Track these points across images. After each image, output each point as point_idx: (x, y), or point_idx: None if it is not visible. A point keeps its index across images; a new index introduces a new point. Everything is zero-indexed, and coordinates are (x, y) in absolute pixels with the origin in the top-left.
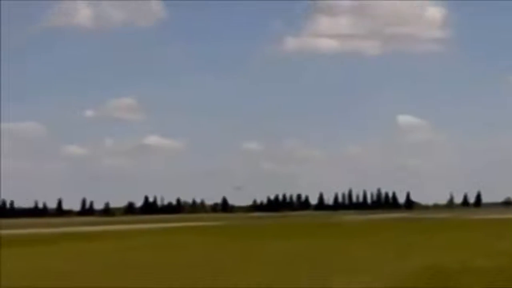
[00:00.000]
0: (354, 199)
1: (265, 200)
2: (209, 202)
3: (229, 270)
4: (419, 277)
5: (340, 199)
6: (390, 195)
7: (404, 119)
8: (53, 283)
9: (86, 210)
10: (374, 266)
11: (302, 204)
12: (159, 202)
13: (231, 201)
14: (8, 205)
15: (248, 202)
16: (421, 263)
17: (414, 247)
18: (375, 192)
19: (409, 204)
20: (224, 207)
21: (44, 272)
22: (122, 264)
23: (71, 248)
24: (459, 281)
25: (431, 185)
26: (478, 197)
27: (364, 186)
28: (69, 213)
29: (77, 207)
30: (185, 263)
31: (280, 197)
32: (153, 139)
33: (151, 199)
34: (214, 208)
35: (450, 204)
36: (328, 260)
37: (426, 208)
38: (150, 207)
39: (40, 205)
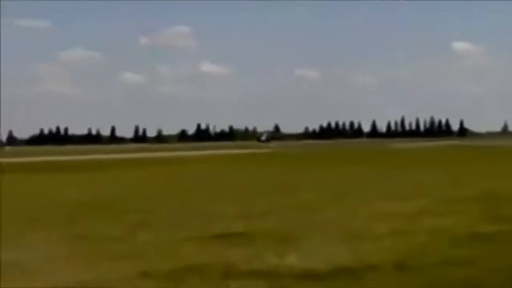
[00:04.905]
0: (407, 126)
1: (317, 128)
2: (261, 129)
3: (276, 193)
4: (473, 202)
5: (392, 126)
6: (444, 122)
7: (459, 45)
8: (105, 206)
9: (139, 137)
10: (427, 192)
11: (354, 132)
12: (211, 129)
13: (283, 129)
14: (62, 132)
15: (300, 129)
16: (475, 189)
17: (467, 174)
18: (428, 119)
19: (463, 132)
20: (276, 134)
21: (96, 196)
22: (174, 188)
23: (123, 174)
24: None
25: (485, 112)
26: None
27: (417, 114)
28: (122, 140)
29: (130, 134)
30: (236, 188)
31: (333, 124)
32: (206, 67)
33: (203, 126)
34: None
35: (504, 132)
36: (380, 186)
37: (479, 135)
38: (202, 134)
39: (94, 132)
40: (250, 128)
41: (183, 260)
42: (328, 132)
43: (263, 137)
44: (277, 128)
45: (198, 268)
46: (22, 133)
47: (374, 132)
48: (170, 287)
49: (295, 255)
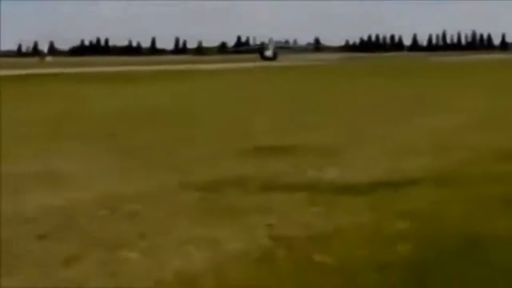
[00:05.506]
0: (448, 40)
1: (357, 41)
2: (301, 42)
3: (316, 107)
4: None
5: (434, 40)
6: (485, 36)
7: None
8: (146, 118)
9: (179, 49)
10: (468, 107)
11: (395, 45)
12: (251, 42)
13: (324, 42)
14: (102, 43)
15: (341, 42)
16: None
17: (509, 88)
18: (469, 33)
19: (504, 46)
20: (316, 47)
21: (137, 108)
22: (215, 101)
23: (164, 87)
24: None
25: None
26: None
27: (459, 27)
28: (162, 51)
29: (170, 46)
30: (278, 101)
31: (373, 37)
32: None
33: (243, 39)
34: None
35: None
36: (421, 100)
37: None
38: (242, 47)
39: (134, 44)
40: (291, 41)
41: (224, 172)
42: (368, 46)
43: (269, 52)
44: (316, 40)
45: (238, 180)
46: (63, 44)
47: (415, 46)
48: (211, 198)
49: (335, 168)
